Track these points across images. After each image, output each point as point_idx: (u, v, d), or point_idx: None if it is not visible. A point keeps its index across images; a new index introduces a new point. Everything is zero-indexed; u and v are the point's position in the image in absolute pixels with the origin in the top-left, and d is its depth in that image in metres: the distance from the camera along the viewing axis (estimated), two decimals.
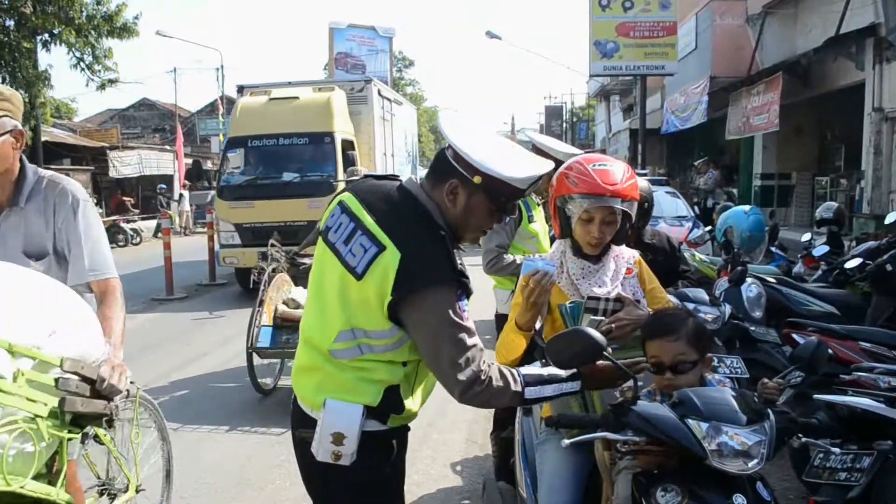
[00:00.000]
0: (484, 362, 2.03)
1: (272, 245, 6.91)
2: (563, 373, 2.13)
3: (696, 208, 14.15)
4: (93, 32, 18.56)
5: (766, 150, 16.49)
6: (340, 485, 2.13)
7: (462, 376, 1.97)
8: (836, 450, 2.42)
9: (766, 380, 2.26)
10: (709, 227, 10.20)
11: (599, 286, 2.64)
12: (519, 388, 2.06)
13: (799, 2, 14.89)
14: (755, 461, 1.95)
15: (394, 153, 14.88)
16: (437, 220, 2.04)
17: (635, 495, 2.08)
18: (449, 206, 2.06)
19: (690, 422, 1.99)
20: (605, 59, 18.85)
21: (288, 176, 11.77)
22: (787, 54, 14.74)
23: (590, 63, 19.29)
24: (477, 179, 2.00)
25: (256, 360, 6.27)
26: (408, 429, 2.26)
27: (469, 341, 1.99)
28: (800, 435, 2.16)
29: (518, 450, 3.09)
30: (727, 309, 4.63)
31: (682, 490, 1.98)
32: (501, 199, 2.05)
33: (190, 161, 31.09)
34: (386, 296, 1.96)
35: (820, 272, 6.66)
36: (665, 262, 3.89)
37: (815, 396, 2.77)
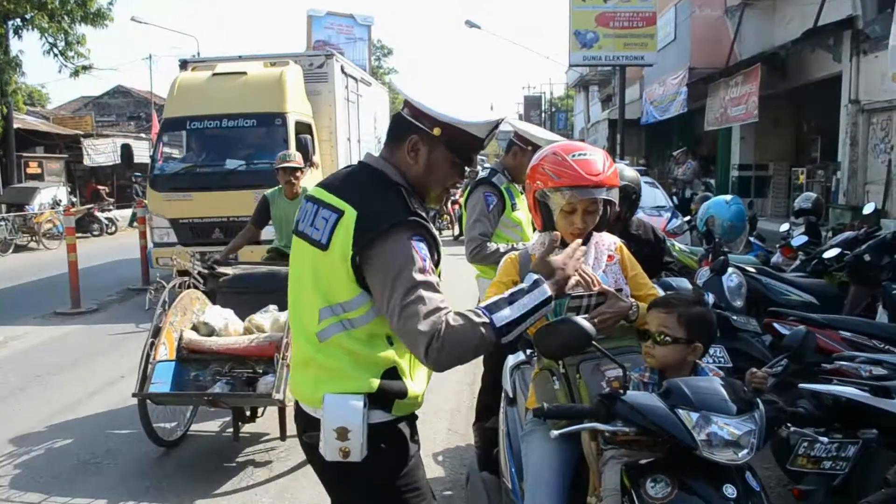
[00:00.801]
0: (446, 313, 1.89)
1: (179, 251, 5.91)
2: (523, 285, 1.98)
3: (674, 198, 14.20)
4: (66, 18, 18.31)
5: (744, 140, 16.58)
6: (357, 484, 2.06)
7: (423, 326, 1.83)
8: (824, 439, 2.43)
9: (754, 369, 2.26)
10: (687, 217, 10.25)
11: None
12: (485, 319, 1.87)
13: None
14: (745, 451, 1.94)
15: (360, 139, 13.22)
16: (395, 179, 2.03)
17: (625, 486, 2.07)
18: (411, 164, 2.05)
19: (681, 412, 1.98)
20: (584, 49, 18.84)
21: (232, 163, 10.22)
22: (766, 46, 14.81)
23: (569, 53, 19.27)
24: (436, 131, 2.00)
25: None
26: (415, 416, 2.18)
27: (431, 294, 1.87)
28: (788, 424, 2.16)
29: (503, 440, 3.07)
30: (710, 298, 4.64)
31: (671, 481, 1.97)
32: (461, 149, 2.06)
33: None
34: (348, 255, 1.93)
35: (798, 262, 6.71)
36: (650, 252, 3.88)
37: (801, 385, 2.77)
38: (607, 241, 2.77)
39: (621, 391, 2.07)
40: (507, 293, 1.96)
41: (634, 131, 24.56)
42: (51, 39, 18.55)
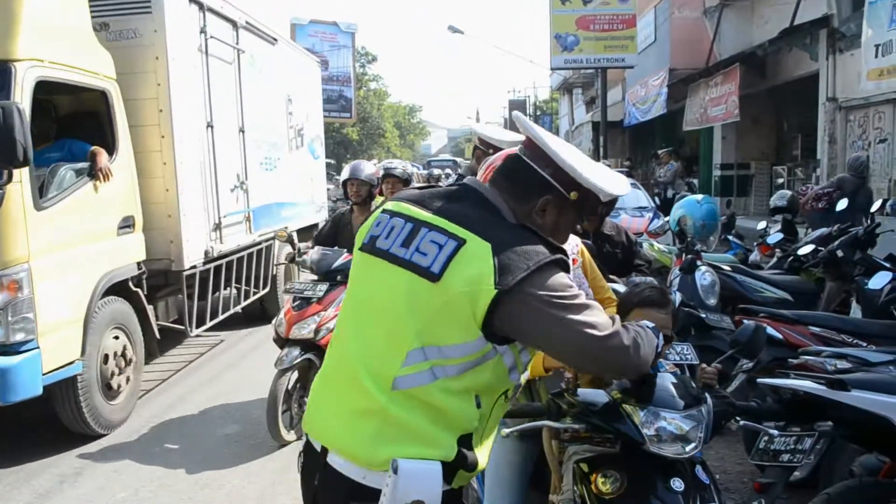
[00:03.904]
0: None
1: None
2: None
3: (656, 199, 14.28)
4: None
5: (726, 140, 16.69)
6: None
7: (626, 340, 1.71)
8: (775, 431, 2.47)
9: (704, 365, 2.29)
10: (669, 218, 10.33)
11: None
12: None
13: None
14: (692, 445, 1.97)
15: (244, 128, 7.65)
16: (512, 223, 1.80)
17: (577, 480, 2.09)
18: (537, 222, 1.81)
19: (629, 408, 2.01)
20: (565, 52, 18.91)
21: None
22: (744, 46, 14.91)
23: (551, 56, 19.34)
24: (573, 195, 1.79)
25: None
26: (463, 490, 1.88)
27: (602, 312, 1.74)
28: (738, 418, 2.19)
29: None
30: (677, 297, 4.69)
31: (621, 475, 2.00)
32: (586, 212, 1.89)
33: None
34: (485, 292, 1.63)
35: (775, 259, 6.78)
36: (622, 254, 4.03)
37: (758, 380, 2.81)
38: (571, 244, 2.79)
39: (572, 389, 2.10)
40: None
41: (618, 133, 24.68)
42: None
